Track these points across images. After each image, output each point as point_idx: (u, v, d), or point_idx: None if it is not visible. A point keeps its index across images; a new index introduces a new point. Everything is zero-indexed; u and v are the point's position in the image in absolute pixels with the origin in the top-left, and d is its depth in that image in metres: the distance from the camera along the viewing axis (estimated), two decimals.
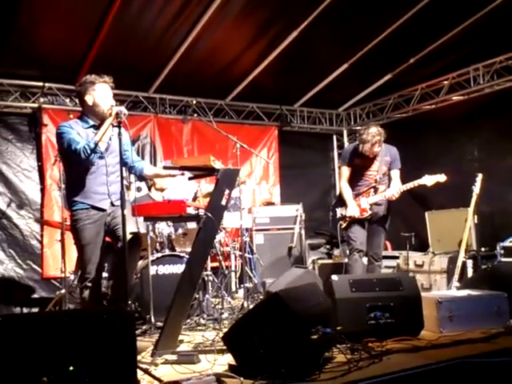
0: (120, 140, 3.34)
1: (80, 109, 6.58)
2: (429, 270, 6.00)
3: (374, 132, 4.98)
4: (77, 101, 6.99)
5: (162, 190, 5.91)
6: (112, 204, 3.75)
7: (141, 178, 4.18)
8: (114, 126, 3.51)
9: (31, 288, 6.46)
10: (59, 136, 3.67)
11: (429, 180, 4.95)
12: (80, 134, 3.68)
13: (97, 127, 3.73)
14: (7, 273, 6.41)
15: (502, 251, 5.61)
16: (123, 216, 3.24)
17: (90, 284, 3.69)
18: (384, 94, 8.16)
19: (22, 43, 5.79)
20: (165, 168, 4.03)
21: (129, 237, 3.49)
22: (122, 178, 3.40)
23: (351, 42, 6.71)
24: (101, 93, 3.72)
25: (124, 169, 3.89)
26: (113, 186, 3.73)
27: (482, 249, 5.83)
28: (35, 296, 6.42)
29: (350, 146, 5.62)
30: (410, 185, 5.00)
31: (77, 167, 3.69)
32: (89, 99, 3.73)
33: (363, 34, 6.50)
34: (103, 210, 3.73)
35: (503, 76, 6.68)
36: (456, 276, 4.94)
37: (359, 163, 5.20)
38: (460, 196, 5.58)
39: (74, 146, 3.58)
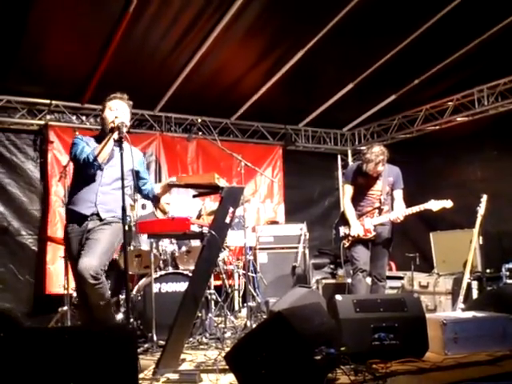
0: (122, 155, 3.33)
1: (86, 126, 6.71)
2: (433, 291, 5.94)
3: (377, 151, 4.99)
4: (83, 118, 7.15)
5: (164, 212, 5.91)
6: (98, 215, 3.66)
7: (154, 199, 4.17)
8: (115, 141, 3.50)
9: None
10: (71, 146, 3.78)
11: (435, 205, 4.92)
12: (89, 145, 3.74)
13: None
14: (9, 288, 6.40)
15: (508, 273, 5.57)
16: (124, 231, 3.22)
17: None
18: (388, 114, 8.19)
19: (29, 61, 5.86)
20: (169, 185, 4.01)
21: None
22: (123, 193, 3.32)
23: (356, 63, 6.75)
24: (110, 108, 3.76)
25: (135, 190, 3.95)
26: (104, 196, 3.67)
27: (488, 270, 5.78)
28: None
29: (353, 165, 5.62)
30: (415, 209, 4.98)
31: (80, 178, 3.74)
32: (102, 114, 3.83)
33: (368, 54, 6.54)
34: (84, 217, 3.65)
35: (507, 98, 6.71)
36: (461, 297, 4.90)
37: (362, 182, 5.20)
38: (465, 217, 5.56)
39: (78, 155, 3.65)
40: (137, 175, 3.89)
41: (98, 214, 3.66)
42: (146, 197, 4.09)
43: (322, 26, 5.90)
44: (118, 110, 3.73)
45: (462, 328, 3.91)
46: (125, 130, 3.43)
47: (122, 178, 3.34)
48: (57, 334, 2.65)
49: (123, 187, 3.34)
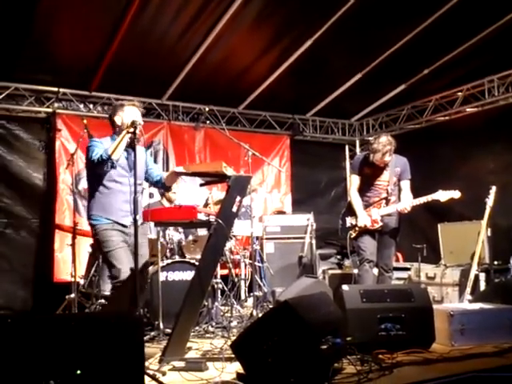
0: (134, 151, 3.49)
1: (93, 114, 6.73)
2: (441, 282, 5.93)
3: (384, 141, 4.96)
4: (91, 106, 7.13)
5: (170, 201, 5.93)
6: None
7: (164, 187, 4.28)
8: (130, 139, 3.66)
9: None
10: (87, 149, 3.89)
11: (442, 195, 4.88)
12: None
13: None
14: (15, 277, 6.44)
15: None
16: (136, 227, 3.37)
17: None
18: (397, 104, 8.13)
19: (37, 49, 5.85)
20: (177, 173, 4.04)
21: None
22: (135, 193, 3.59)
23: (365, 52, 6.70)
24: (128, 114, 3.90)
25: (148, 184, 4.20)
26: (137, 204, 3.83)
27: (495, 262, 5.75)
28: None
29: (360, 155, 5.60)
30: (423, 199, 4.94)
31: (100, 182, 3.86)
32: (117, 120, 3.95)
33: (377, 44, 6.49)
34: (125, 227, 3.87)
35: None
36: (468, 289, 4.87)
37: (369, 172, 5.17)
38: (474, 208, 5.52)
39: (93, 157, 3.76)
40: (146, 170, 4.13)
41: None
42: (155, 184, 4.21)
43: (331, 14, 5.85)
44: (135, 117, 3.83)
45: (469, 319, 3.90)
46: (138, 128, 3.56)
47: (135, 180, 3.61)
48: (64, 321, 2.66)
49: (136, 190, 3.63)
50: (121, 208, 3.87)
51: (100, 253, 4.15)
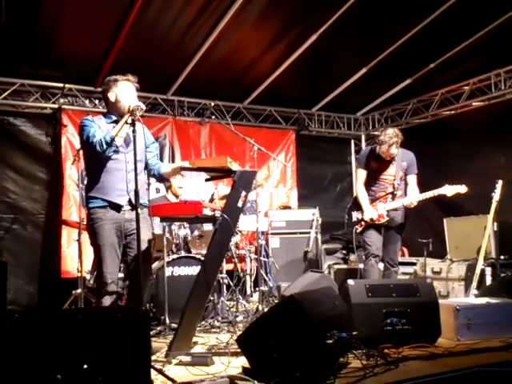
0: (134, 137, 3.33)
1: (99, 110, 6.70)
2: (446, 277, 5.92)
3: (391, 133, 4.96)
4: (96, 102, 7.13)
5: (176, 195, 5.94)
6: (130, 203, 3.62)
7: (161, 178, 4.06)
8: (128, 123, 3.46)
9: None
10: (81, 128, 3.69)
11: (449, 190, 4.86)
12: (101, 128, 3.66)
13: (118, 122, 3.67)
14: (22, 272, 6.48)
15: None
16: (137, 214, 3.24)
17: (110, 289, 3.57)
18: (403, 98, 8.09)
19: (43, 45, 5.86)
20: (182, 168, 3.98)
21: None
22: (136, 173, 3.33)
23: (370, 46, 6.66)
24: (123, 90, 3.70)
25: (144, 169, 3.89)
26: (132, 183, 3.56)
27: (502, 257, 5.73)
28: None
29: (366, 149, 5.60)
30: (429, 194, 4.93)
31: (96, 163, 3.65)
32: (111, 96, 3.72)
33: (383, 38, 6.45)
34: (120, 207, 3.63)
35: None
36: (474, 284, 4.87)
37: (375, 166, 5.17)
38: (481, 203, 5.50)
39: (91, 138, 3.55)
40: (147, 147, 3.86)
41: (130, 201, 3.63)
42: (152, 175, 3.98)
43: (336, 9, 5.81)
44: (130, 94, 3.68)
45: (475, 314, 3.90)
46: (138, 114, 3.40)
47: (135, 160, 3.34)
48: (71, 316, 2.68)
49: (136, 170, 3.34)
50: (115, 187, 3.62)
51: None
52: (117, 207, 3.63)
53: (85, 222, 5.29)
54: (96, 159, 3.63)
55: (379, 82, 7.64)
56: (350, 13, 5.82)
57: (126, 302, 3.74)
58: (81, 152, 5.43)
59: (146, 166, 3.90)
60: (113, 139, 3.52)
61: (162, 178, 4.12)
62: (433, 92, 7.70)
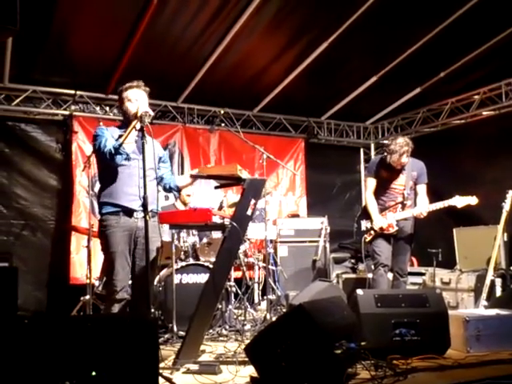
0: (143, 144, 3.33)
1: (109, 117, 6.74)
2: (456, 287, 5.87)
3: (401, 142, 4.93)
4: (107, 109, 7.20)
5: (185, 203, 5.95)
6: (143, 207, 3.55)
7: (176, 190, 4.08)
8: (138, 131, 3.50)
9: None
10: (94, 138, 3.71)
11: (459, 201, 4.83)
12: (114, 137, 3.65)
13: None
14: (31, 278, 6.50)
15: None
16: (145, 217, 3.25)
17: (120, 297, 3.56)
18: (413, 107, 8.08)
19: (55, 52, 5.92)
20: (191, 176, 3.98)
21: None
22: (144, 180, 3.32)
23: (380, 55, 6.67)
24: (132, 96, 3.70)
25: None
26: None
27: None
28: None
29: (376, 158, 5.58)
30: (439, 205, 4.90)
31: (109, 170, 3.65)
32: (122, 103, 3.74)
33: (393, 46, 6.46)
34: (133, 212, 3.62)
35: None
36: (484, 295, 4.82)
37: (385, 175, 5.15)
38: (491, 213, 5.45)
39: (102, 148, 3.57)
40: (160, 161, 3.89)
41: (142, 206, 3.51)
42: (169, 189, 3.99)
43: (346, 17, 5.83)
44: (138, 100, 3.66)
45: (485, 325, 3.86)
46: (147, 120, 3.40)
47: (144, 168, 3.33)
48: (80, 323, 2.68)
49: (145, 177, 3.33)
50: (128, 192, 3.60)
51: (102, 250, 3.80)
52: (129, 212, 3.62)
53: (94, 229, 5.34)
54: (109, 167, 3.64)
55: (389, 91, 7.64)
56: (360, 22, 5.84)
57: (128, 307, 3.71)
58: (91, 159, 5.52)
59: (161, 180, 3.89)
60: (120, 145, 3.51)
61: (176, 191, 4.13)
62: (443, 101, 7.68)
